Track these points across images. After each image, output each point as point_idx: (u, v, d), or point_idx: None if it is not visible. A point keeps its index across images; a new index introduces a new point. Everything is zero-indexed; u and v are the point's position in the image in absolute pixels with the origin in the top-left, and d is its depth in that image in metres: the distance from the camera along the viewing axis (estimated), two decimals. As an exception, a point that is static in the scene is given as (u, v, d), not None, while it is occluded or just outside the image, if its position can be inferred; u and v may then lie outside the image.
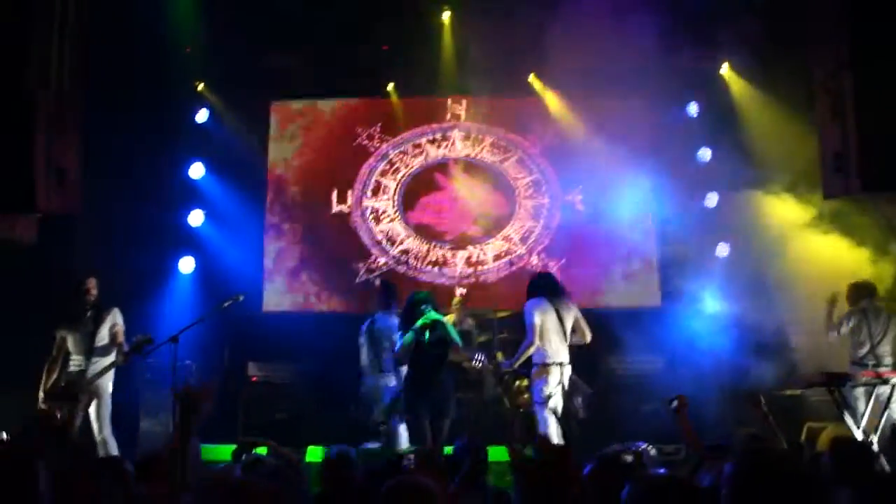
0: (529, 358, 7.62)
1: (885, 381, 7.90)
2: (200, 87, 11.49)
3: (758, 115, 10.12)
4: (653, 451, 6.39)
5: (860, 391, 8.14)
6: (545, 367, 7.56)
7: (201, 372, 9.82)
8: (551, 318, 7.63)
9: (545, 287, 7.82)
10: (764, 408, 5.47)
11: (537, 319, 7.57)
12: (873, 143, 7.83)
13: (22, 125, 8.79)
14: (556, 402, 7.54)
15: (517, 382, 9.09)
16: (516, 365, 7.65)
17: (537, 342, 7.54)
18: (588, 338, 7.83)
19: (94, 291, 7.75)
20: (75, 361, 7.62)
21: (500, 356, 8.80)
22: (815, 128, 8.76)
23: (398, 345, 7.74)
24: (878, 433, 7.49)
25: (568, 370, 7.61)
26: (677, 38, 9.69)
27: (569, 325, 7.69)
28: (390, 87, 11.68)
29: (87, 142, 9.84)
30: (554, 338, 7.60)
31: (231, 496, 2.88)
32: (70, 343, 7.63)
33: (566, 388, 7.58)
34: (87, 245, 10.09)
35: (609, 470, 3.97)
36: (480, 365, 7.94)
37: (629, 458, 4.86)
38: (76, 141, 9.70)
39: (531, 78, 11.32)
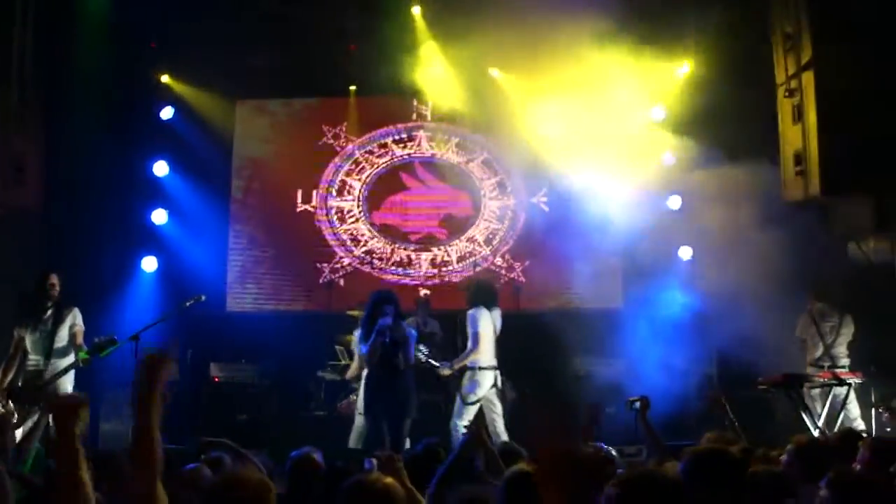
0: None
1: (842, 383, 8.03)
2: (165, 79, 11.34)
3: (720, 117, 10.20)
4: (614, 452, 6.44)
5: (817, 392, 8.26)
6: (480, 370, 8.11)
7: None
8: (487, 326, 8.16)
9: (485, 296, 8.38)
10: (728, 410, 5.56)
11: (480, 328, 8.10)
12: (834, 145, 7.95)
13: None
14: (492, 401, 8.12)
15: None
16: (456, 367, 8.16)
17: (472, 347, 8.10)
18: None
19: (57, 289, 7.60)
20: (32, 361, 7.47)
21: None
22: (776, 131, 8.88)
23: (363, 349, 7.78)
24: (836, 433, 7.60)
25: (498, 373, 8.17)
26: (641, 38, 9.76)
27: (497, 333, 8.25)
28: (352, 88, 11.64)
29: (49, 137, 9.74)
30: (487, 345, 8.15)
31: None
32: (28, 342, 7.48)
33: (500, 388, 8.21)
34: (48, 242, 9.96)
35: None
36: (424, 359, 8.33)
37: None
38: (37, 136, 9.59)
39: (496, 73, 11.29)
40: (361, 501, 3.02)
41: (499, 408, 8.17)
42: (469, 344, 8.14)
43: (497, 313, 8.35)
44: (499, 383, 8.16)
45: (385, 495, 3.03)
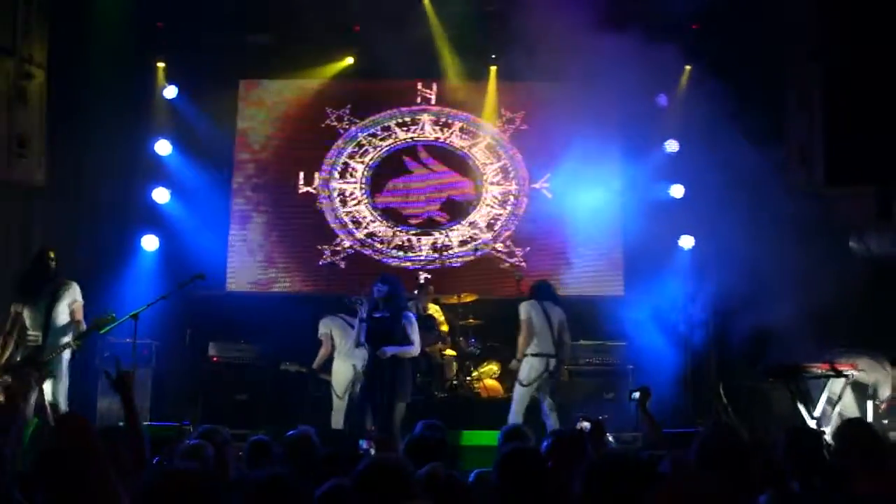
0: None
1: (840, 374, 8.03)
2: (168, 64, 11.32)
3: (724, 107, 10.17)
4: (611, 439, 6.46)
5: (815, 383, 8.25)
6: (532, 357, 8.50)
7: (161, 351, 9.77)
8: (539, 316, 8.56)
9: (537, 291, 8.83)
10: (723, 399, 5.57)
11: (524, 316, 8.58)
12: (839, 135, 7.93)
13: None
14: (541, 385, 8.51)
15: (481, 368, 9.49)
16: (519, 355, 8.60)
17: (525, 335, 8.55)
18: (566, 342, 8.72)
19: (54, 264, 7.56)
20: (31, 336, 7.43)
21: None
22: (781, 121, 8.85)
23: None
24: (832, 424, 7.62)
25: (554, 361, 8.51)
26: (645, 27, 9.73)
27: (555, 324, 8.58)
28: (356, 69, 11.56)
29: (52, 113, 9.71)
30: (539, 333, 8.52)
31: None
32: (27, 317, 7.45)
33: (552, 374, 8.54)
34: (49, 218, 9.94)
35: (566, 444, 4.06)
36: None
37: (586, 424, 4.95)
38: (40, 112, 9.57)
39: (494, 67, 11.31)
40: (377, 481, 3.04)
41: (548, 391, 8.53)
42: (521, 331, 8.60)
43: (548, 305, 8.64)
44: (551, 369, 8.49)
45: (400, 477, 3.06)
